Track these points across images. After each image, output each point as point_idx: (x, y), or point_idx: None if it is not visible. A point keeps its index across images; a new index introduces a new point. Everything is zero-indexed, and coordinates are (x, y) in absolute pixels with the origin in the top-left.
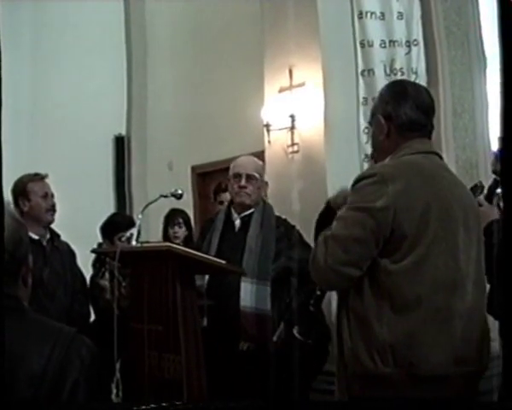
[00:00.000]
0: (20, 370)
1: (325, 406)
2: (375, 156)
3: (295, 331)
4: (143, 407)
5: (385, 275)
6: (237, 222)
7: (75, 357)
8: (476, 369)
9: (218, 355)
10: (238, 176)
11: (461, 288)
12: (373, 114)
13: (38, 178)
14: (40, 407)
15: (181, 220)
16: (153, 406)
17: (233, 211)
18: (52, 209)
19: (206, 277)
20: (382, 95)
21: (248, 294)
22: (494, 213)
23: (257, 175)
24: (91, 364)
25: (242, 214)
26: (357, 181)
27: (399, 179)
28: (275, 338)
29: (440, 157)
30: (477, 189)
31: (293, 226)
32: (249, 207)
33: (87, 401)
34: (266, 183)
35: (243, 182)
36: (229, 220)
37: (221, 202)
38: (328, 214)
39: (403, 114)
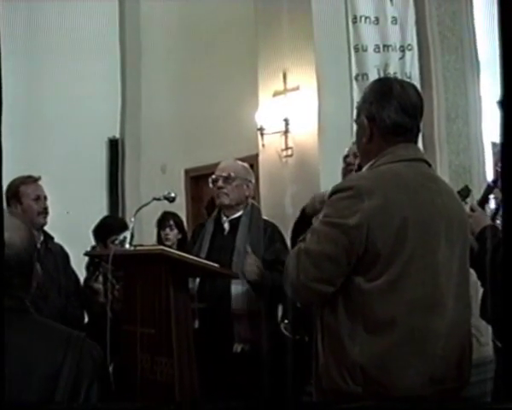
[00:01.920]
0: (34, 374)
1: (319, 407)
2: (359, 158)
3: (282, 327)
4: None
5: (358, 294)
6: (226, 225)
7: (88, 359)
8: (455, 386)
9: (211, 358)
10: (216, 180)
11: (440, 305)
12: (358, 114)
13: (31, 180)
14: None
15: (172, 223)
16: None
17: (222, 215)
18: (44, 212)
19: (197, 280)
20: (366, 94)
21: (239, 295)
22: (487, 219)
23: (233, 175)
24: (102, 364)
25: (230, 217)
26: (333, 193)
27: (376, 194)
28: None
29: (427, 163)
30: (463, 192)
31: (279, 232)
32: (231, 206)
33: (101, 400)
34: (250, 181)
35: (220, 183)
36: (218, 224)
37: None
38: (303, 222)
39: (386, 118)
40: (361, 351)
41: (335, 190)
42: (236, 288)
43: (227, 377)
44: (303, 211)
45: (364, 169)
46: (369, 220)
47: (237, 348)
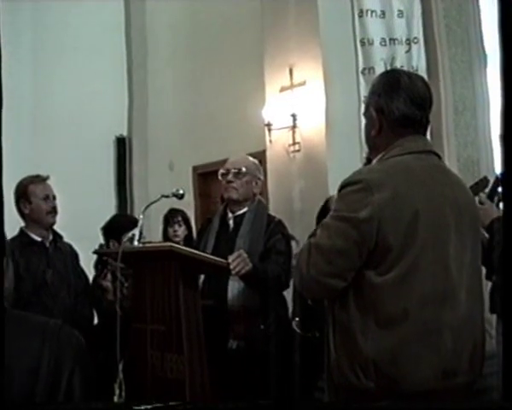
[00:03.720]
0: (14, 368)
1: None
2: (369, 152)
3: (294, 324)
4: (150, 407)
5: (370, 288)
6: (231, 222)
7: (67, 347)
8: (467, 379)
9: (210, 355)
10: (226, 173)
11: (451, 298)
12: (367, 107)
13: (39, 180)
14: (42, 402)
15: (180, 219)
16: (159, 405)
17: (228, 211)
18: (53, 211)
19: (202, 277)
20: (375, 86)
21: (236, 292)
22: (495, 212)
23: (244, 170)
24: (82, 350)
25: (236, 213)
26: (342, 187)
27: (386, 187)
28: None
29: (437, 155)
30: (482, 183)
31: (283, 225)
32: (238, 202)
33: (83, 388)
34: (260, 179)
35: (230, 177)
36: (224, 220)
37: None
38: (326, 212)
39: (395, 109)
40: (373, 346)
41: (345, 184)
42: (233, 285)
43: (223, 374)
44: (326, 202)
45: (374, 162)
46: (380, 214)
47: (233, 344)
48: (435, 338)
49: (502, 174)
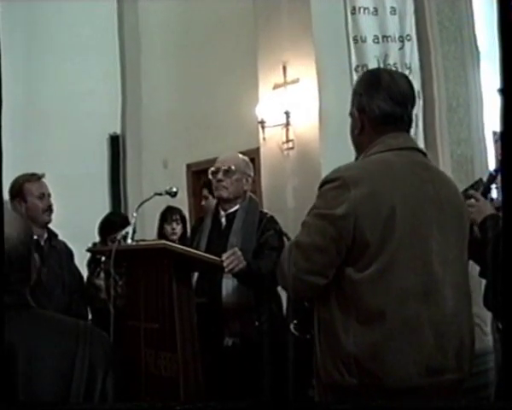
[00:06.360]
0: (45, 370)
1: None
2: (356, 152)
3: (292, 327)
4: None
5: (349, 284)
6: (223, 220)
7: (99, 348)
8: (455, 377)
9: (206, 352)
10: (216, 171)
11: (434, 294)
12: (351, 106)
13: (35, 178)
14: (77, 402)
15: (178, 217)
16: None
17: (220, 209)
18: (49, 209)
19: (196, 275)
20: (357, 85)
21: (230, 289)
22: (489, 209)
23: (233, 168)
24: (112, 352)
25: (228, 211)
26: (322, 184)
27: (364, 183)
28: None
29: (421, 151)
30: (477, 185)
31: (275, 222)
32: (229, 200)
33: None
34: (250, 175)
35: (220, 176)
36: (216, 219)
37: (205, 197)
38: None
39: (376, 108)
40: (355, 342)
41: (324, 182)
42: (227, 282)
43: (219, 371)
44: None
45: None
46: (357, 210)
47: (228, 342)
48: (417, 334)
49: (495, 171)
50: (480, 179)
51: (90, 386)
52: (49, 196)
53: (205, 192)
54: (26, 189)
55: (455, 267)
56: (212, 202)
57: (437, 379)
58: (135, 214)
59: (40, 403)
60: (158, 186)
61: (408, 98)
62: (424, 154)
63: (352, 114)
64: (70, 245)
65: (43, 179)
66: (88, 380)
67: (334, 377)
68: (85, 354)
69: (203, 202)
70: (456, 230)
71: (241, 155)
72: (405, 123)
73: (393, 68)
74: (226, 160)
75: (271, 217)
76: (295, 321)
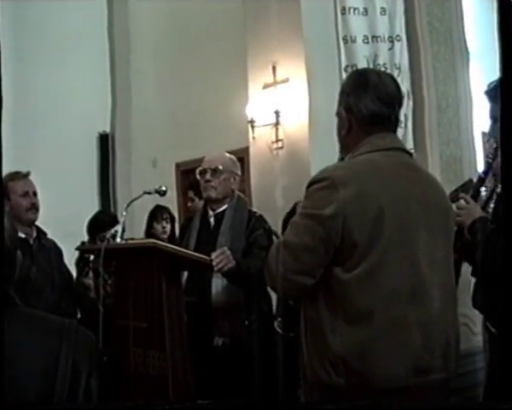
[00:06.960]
0: (30, 368)
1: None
2: (341, 151)
3: (276, 325)
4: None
5: (337, 284)
6: (212, 220)
7: (83, 348)
8: (441, 376)
9: (196, 352)
10: (204, 172)
11: (422, 294)
12: (338, 106)
13: (19, 176)
14: (60, 401)
15: (168, 216)
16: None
17: (208, 209)
18: (33, 208)
19: (185, 274)
20: (344, 86)
21: (220, 288)
22: (478, 212)
23: (221, 168)
24: (96, 352)
25: (216, 211)
26: (309, 185)
27: (352, 183)
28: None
29: (408, 152)
30: (467, 185)
31: (264, 220)
32: (218, 200)
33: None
34: (237, 174)
35: (208, 176)
36: (205, 219)
37: (191, 199)
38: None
39: (363, 108)
40: (342, 342)
41: (312, 182)
42: (217, 281)
43: (209, 371)
44: (294, 206)
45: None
46: (345, 210)
47: (218, 341)
48: (404, 334)
49: (485, 173)
50: (470, 180)
51: (74, 385)
52: (34, 194)
53: (190, 194)
54: (10, 187)
55: (442, 268)
56: (199, 203)
57: (424, 379)
58: (124, 213)
59: (24, 403)
60: (147, 185)
61: (395, 98)
62: (410, 154)
63: (338, 114)
64: (59, 244)
65: (30, 177)
66: (72, 379)
67: (321, 377)
68: (69, 352)
69: (189, 204)
70: (443, 231)
71: (227, 154)
72: (392, 123)
73: (383, 69)
74: (213, 160)
75: (260, 216)
76: (279, 319)
